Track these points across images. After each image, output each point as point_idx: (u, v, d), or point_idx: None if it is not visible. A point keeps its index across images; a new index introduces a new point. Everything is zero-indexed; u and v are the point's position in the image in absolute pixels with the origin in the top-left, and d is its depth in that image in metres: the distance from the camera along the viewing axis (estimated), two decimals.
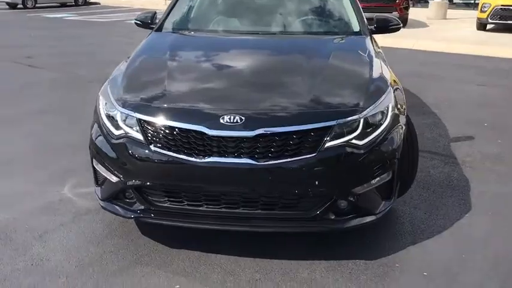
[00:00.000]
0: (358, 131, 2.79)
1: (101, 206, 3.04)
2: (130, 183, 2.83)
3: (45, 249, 3.03)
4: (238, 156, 2.66)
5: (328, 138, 2.71)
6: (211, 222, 2.81)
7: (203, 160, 2.67)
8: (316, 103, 2.88)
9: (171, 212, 2.85)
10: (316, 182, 2.73)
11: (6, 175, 4.01)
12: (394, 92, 3.14)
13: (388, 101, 2.98)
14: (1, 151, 4.51)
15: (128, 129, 2.83)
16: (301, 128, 2.69)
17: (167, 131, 2.74)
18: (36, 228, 3.26)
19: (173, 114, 2.77)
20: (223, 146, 2.67)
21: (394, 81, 3.38)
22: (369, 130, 2.84)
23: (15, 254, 2.98)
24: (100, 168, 2.99)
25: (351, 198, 2.81)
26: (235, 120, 2.68)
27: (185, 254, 2.99)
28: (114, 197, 2.96)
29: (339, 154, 2.73)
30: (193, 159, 2.68)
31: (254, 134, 2.65)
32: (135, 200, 2.90)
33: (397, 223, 3.37)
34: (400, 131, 3.03)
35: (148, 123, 2.78)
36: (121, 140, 2.84)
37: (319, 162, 2.70)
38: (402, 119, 3.13)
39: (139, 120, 2.80)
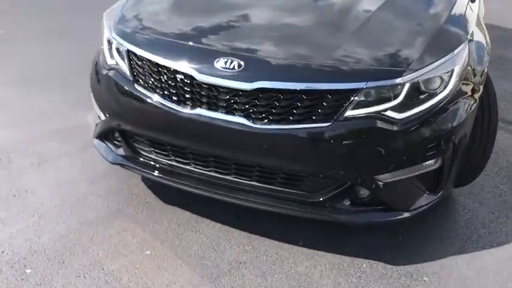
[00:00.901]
0: (398, 100, 2.06)
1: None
2: (113, 124, 2.42)
3: (35, 180, 2.79)
4: (231, 113, 2.10)
5: (350, 105, 2.02)
6: (197, 185, 2.32)
7: (189, 111, 2.15)
8: (346, 56, 2.14)
9: (156, 165, 2.41)
10: (326, 160, 2.09)
11: (35, 92, 3.79)
12: (469, 49, 2.28)
13: (452, 63, 2.16)
14: (42, 66, 4.30)
15: (119, 61, 2.38)
16: (314, 87, 2.03)
17: (153, 69, 2.23)
18: (39, 154, 3.03)
19: (162, 49, 2.25)
20: (213, 96, 2.12)
21: (478, 33, 2.49)
22: (415, 100, 2.08)
23: (5, 181, 2.77)
24: (93, 102, 2.60)
25: (374, 187, 2.13)
26: (231, 66, 2.09)
27: (175, 214, 2.57)
28: (104, 136, 2.58)
29: (363, 128, 2.04)
30: (178, 108, 2.17)
31: (253, 87, 2.04)
32: (122, 144, 2.50)
33: (449, 220, 2.62)
34: (466, 106, 2.23)
35: (136, 55, 2.29)
36: (110, 72, 2.40)
37: (333, 135, 2.04)
38: (474, 88, 2.30)
39: (128, 52, 2.32)
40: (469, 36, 2.33)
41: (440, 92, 2.12)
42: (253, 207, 2.26)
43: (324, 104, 2.03)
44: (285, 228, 2.47)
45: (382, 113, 2.05)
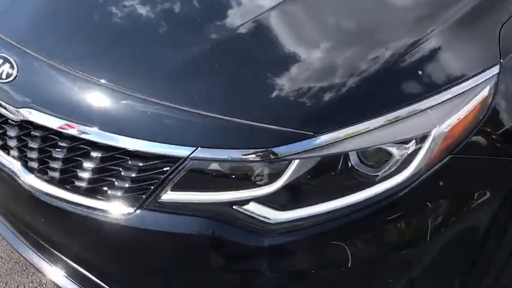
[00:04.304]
0: (275, 186, 0.97)
1: None
2: None
3: None
4: (4, 148, 1.24)
5: (169, 182, 0.99)
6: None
7: None
8: (175, 91, 1.07)
9: None
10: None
11: None
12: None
13: (429, 124, 0.95)
14: None
15: None
16: (97, 137, 1.03)
17: None
18: None
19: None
20: None
21: None
22: (321, 188, 0.99)
23: None
24: None
25: None
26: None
27: None
28: None
29: (188, 235, 1.03)
30: None
31: (17, 117, 1.14)
32: None
33: None
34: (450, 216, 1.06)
35: None
36: None
37: (134, 236, 1.06)
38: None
39: None
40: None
41: (386, 177, 0.96)
42: None
43: (122, 171, 1.03)
44: None
45: (235, 207, 0.99)
